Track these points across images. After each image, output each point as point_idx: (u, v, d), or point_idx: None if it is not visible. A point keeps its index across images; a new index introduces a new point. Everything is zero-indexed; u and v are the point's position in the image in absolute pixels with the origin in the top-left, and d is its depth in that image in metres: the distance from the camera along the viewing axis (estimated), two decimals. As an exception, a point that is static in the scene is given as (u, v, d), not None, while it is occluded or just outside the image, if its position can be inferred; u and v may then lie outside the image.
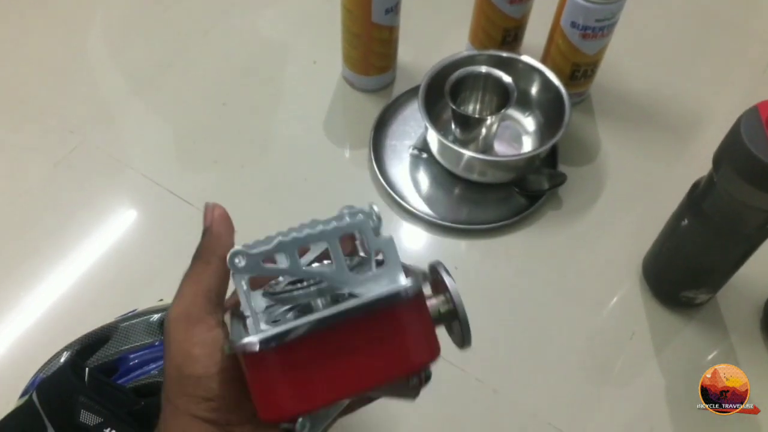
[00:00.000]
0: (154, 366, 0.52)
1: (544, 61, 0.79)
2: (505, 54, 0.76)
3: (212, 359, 0.32)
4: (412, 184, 0.76)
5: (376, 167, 0.75)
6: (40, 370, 0.54)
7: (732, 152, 0.52)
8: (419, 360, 0.32)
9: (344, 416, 0.37)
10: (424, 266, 0.35)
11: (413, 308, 0.32)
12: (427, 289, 0.35)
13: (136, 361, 0.52)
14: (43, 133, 0.78)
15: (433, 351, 0.33)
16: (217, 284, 0.34)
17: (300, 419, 0.31)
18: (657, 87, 0.85)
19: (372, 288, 0.31)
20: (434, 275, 0.35)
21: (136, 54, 0.87)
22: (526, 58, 0.76)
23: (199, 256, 0.34)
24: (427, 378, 0.33)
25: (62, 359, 0.53)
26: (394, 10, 0.73)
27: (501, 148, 0.77)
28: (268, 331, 0.29)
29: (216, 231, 0.34)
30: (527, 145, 0.77)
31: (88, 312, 0.62)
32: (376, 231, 0.32)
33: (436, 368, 0.34)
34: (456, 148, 0.70)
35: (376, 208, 0.33)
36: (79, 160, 0.76)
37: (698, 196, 0.58)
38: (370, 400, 0.38)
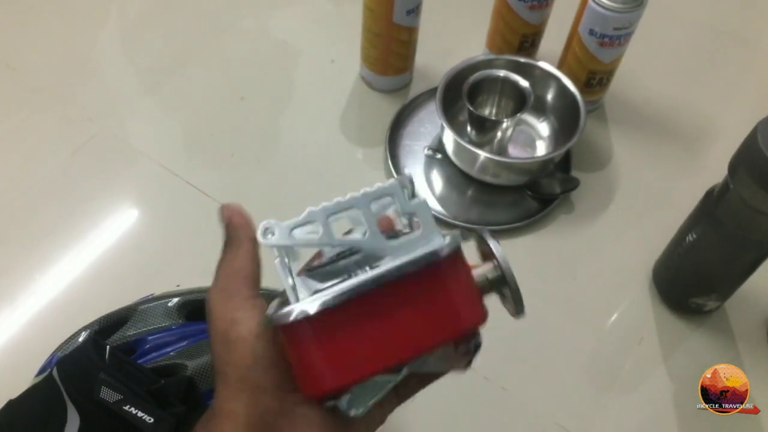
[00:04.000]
0: (170, 349, 0.53)
1: (560, 67, 0.80)
2: (522, 59, 0.78)
3: (255, 320, 0.32)
4: (426, 184, 0.76)
5: (392, 166, 0.76)
6: (57, 350, 0.55)
7: (748, 158, 0.52)
8: (464, 322, 0.31)
9: (401, 403, 0.36)
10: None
11: (453, 269, 0.31)
12: (475, 259, 0.34)
13: (154, 343, 0.53)
14: (62, 120, 0.79)
15: (480, 314, 0.32)
16: (250, 264, 0.34)
17: (345, 395, 0.30)
18: (670, 97, 0.86)
19: (409, 252, 0.30)
20: (481, 245, 0.34)
21: (156, 46, 0.88)
22: (543, 64, 0.77)
23: (229, 243, 0.35)
24: (477, 346, 0.32)
25: (80, 339, 0.54)
26: (415, 11, 0.74)
27: (515, 152, 0.78)
28: (305, 300, 0.29)
29: (238, 220, 0.36)
30: (541, 149, 0.78)
31: (105, 295, 0.63)
32: (410, 195, 0.32)
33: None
34: (471, 148, 0.71)
35: (408, 171, 0.32)
36: (97, 148, 0.77)
37: (712, 203, 0.59)
38: (423, 382, 0.36)
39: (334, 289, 0.29)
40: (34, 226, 0.71)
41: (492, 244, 0.33)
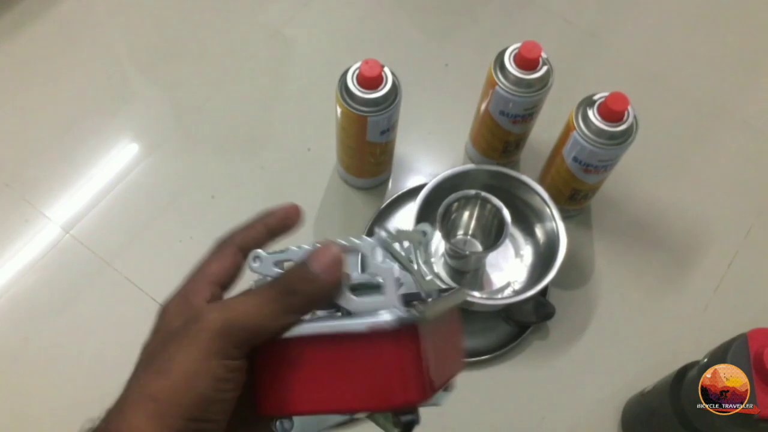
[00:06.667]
0: None
1: (543, 177, 0.76)
2: (506, 171, 0.72)
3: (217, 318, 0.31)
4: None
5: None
6: None
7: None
8: (396, 399, 0.31)
9: None
10: None
11: (401, 344, 0.30)
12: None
13: None
14: (22, 220, 0.77)
15: (415, 394, 0.31)
16: (226, 271, 0.34)
17: (279, 421, 0.32)
18: (662, 199, 0.82)
19: (365, 312, 0.31)
20: None
21: (121, 135, 0.85)
22: (527, 179, 0.72)
23: (217, 247, 0.35)
24: (409, 423, 0.32)
25: None
26: (389, 130, 0.70)
27: (493, 271, 0.75)
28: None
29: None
30: (519, 267, 0.75)
31: None
32: (425, 245, 0.35)
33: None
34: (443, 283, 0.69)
35: (428, 228, 0.35)
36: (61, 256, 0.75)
37: (679, 387, 0.58)
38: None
39: (297, 329, 0.32)
40: None
41: None
